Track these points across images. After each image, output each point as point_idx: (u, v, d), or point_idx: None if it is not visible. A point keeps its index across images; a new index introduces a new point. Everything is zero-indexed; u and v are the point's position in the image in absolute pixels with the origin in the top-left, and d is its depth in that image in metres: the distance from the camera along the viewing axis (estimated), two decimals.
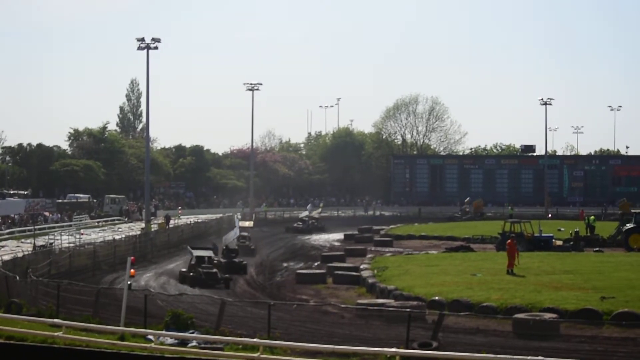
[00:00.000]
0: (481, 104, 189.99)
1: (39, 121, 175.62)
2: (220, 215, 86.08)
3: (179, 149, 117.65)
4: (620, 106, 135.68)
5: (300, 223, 76.71)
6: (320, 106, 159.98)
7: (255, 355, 21.10)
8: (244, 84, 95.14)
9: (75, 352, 21.74)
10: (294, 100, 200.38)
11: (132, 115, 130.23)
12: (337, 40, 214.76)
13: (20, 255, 43.47)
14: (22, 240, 60.59)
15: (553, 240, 53.42)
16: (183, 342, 22.84)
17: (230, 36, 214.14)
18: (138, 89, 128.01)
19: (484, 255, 48.86)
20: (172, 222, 75.19)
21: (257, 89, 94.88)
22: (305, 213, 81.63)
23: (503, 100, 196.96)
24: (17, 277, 33.96)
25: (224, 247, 48.78)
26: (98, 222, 79.88)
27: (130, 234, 63.00)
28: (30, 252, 45.71)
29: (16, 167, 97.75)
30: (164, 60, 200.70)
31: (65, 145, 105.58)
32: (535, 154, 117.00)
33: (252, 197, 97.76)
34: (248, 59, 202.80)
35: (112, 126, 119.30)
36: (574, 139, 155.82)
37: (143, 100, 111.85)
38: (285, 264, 49.60)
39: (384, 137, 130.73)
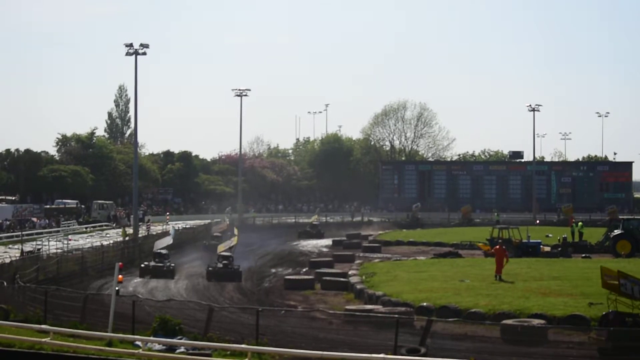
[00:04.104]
0: (469, 110, 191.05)
1: (27, 127, 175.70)
2: (209, 220, 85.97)
3: (167, 154, 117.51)
4: (608, 112, 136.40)
5: (153, 262, 47.34)
6: (309, 112, 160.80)
7: None
8: (232, 89, 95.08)
9: (63, 358, 21.73)
10: (282, 106, 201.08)
11: (120, 121, 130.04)
12: (325, 46, 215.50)
13: (7, 260, 43.33)
14: (10, 245, 60.36)
15: (541, 246, 53.54)
16: (171, 348, 22.78)
17: (218, 42, 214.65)
18: (126, 95, 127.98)
19: (472, 261, 48.89)
20: (161, 227, 74.97)
21: (246, 95, 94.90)
22: (167, 242, 52.42)
23: (491, 106, 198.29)
24: (5, 283, 33.89)
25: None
26: (86, 228, 79.67)
27: (119, 239, 62.80)
28: (17, 258, 45.54)
29: (4, 172, 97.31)
30: (153, 66, 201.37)
31: (53, 151, 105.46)
32: (523, 160, 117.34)
33: (240, 203, 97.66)
34: (236, 64, 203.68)
35: (100, 132, 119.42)
36: (562, 145, 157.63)
37: (131, 106, 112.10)
38: (273, 270, 49.51)
39: (372, 143, 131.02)
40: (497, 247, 41.07)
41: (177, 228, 67.82)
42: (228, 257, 46.45)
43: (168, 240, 52.99)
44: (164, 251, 49.24)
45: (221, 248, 48.76)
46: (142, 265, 47.18)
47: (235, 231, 53.72)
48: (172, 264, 47.68)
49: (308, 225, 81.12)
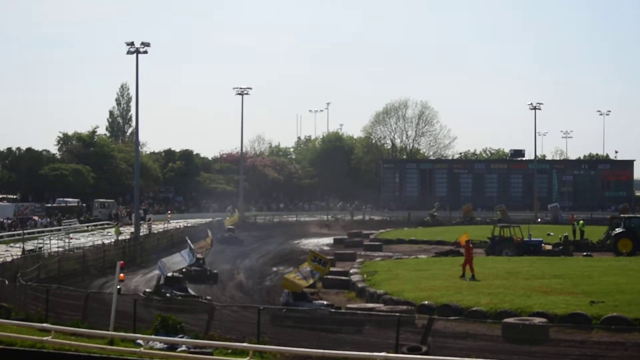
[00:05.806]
0: (470, 108, 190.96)
1: (28, 125, 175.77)
2: (210, 219, 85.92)
3: (169, 153, 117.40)
4: (610, 111, 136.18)
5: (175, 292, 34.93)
6: (310, 110, 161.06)
7: (245, 359, 21.09)
8: (234, 88, 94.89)
9: (64, 356, 21.70)
10: (284, 105, 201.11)
11: (121, 120, 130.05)
12: (326, 45, 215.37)
13: (9, 259, 43.39)
14: (11, 244, 60.38)
15: (542, 244, 53.51)
16: (172, 347, 22.77)
17: (220, 41, 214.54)
18: (128, 93, 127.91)
19: (474, 259, 48.80)
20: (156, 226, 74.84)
21: (247, 94, 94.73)
22: (180, 264, 37.04)
23: (492, 104, 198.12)
24: (6, 282, 33.91)
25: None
26: (87, 227, 79.69)
27: (120, 238, 62.82)
28: (19, 257, 45.60)
29: (5, 171, 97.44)
30: (154, 64, 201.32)
31: (54, 150, 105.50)
32: (524, 159, 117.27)
33: (241, 202, 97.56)
34: (238, 63, 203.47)
35: (102, 130, 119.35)
36: (563, 144, 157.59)
37: (133, 104, 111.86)
38: (274, 269, 49.55)
39: (373, 141, 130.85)
40: (464, 245, 41.06)
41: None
42: (306, 296, 32.57)
43: (181, 262, 37.23)
44: (177, 274, 36.94)
45: (302, 283, 31.97)
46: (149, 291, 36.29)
47: (310, 267, 32.71)
48: (208, 297, 36.01)
49: (226, 230, 69.26)
